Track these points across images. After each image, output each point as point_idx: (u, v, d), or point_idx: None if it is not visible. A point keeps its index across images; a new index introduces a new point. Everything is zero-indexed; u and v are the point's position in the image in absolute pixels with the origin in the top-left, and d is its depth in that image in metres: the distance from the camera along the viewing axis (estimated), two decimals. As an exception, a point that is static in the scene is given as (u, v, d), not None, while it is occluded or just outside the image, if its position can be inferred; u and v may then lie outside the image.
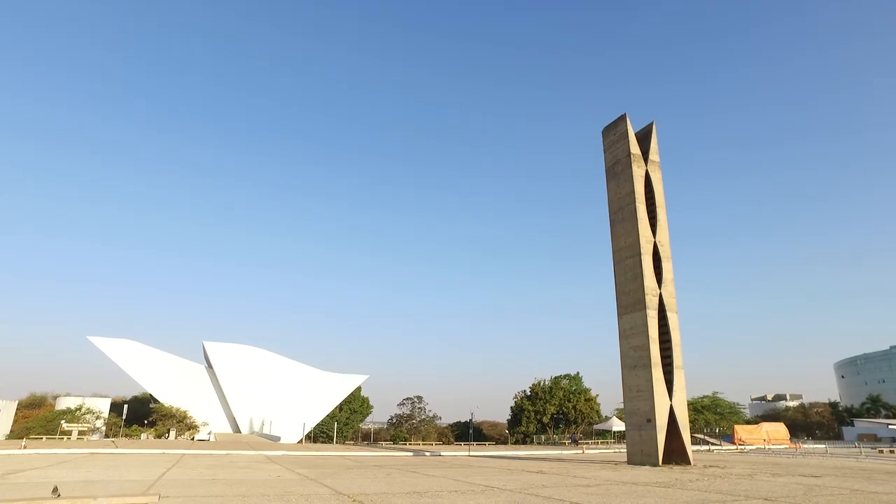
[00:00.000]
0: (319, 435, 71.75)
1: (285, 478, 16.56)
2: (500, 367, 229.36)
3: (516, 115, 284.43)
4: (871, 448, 52.92)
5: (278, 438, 53.64)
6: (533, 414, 74.08)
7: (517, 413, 77.07)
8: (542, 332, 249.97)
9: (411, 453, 39.02)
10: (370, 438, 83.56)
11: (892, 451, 46.29)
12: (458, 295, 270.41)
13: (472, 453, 40.84)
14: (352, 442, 74.54)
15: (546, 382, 77.62)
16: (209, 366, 69.74)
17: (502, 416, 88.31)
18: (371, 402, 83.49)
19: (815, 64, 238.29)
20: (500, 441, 75.96)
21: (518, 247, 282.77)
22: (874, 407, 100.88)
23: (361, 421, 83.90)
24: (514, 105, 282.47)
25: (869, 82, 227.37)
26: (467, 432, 68.05)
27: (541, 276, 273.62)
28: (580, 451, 44.75)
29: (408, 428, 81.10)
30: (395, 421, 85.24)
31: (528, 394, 77.54)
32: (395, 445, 62.57)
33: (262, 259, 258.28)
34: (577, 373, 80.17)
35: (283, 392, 69.14)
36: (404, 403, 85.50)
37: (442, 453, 40.00)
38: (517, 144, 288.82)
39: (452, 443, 73.93)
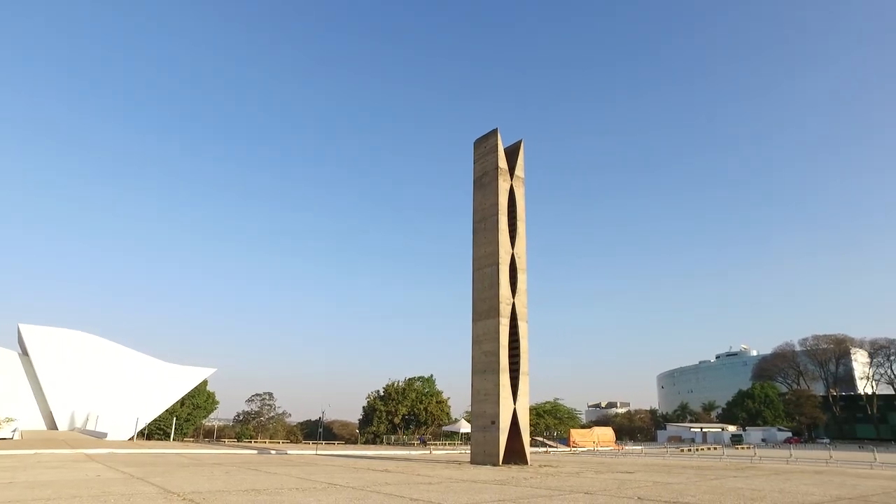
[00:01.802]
0: (155, 432, 65.92)
1: (106, 477, 15.03)
2: (355, 368, 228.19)
3: (390, 117, 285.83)
4: (676, 448, 60.64)
5: (105, 435, 48.28)
6: (385, 414, 74.43)
7: (369, 413, 76.97)
8: (400, 334, 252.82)
9: (255, 451, 37.40)
10: (213, 436, 78.50)
11: (689, 450, 53.45)
12: (317, 293, 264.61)
13: (319, 452, 40.12)
14: (192, 439, 69.45)
15: (400, 383, 78.40)
16: (24, 353, 60.89)
17: (354, 415, 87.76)
18: (218, 398, 78.45)
19: (667, 99, 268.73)
20: (351, 441, 75.38)
21: (382, 249, 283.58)
22: (683, 413, 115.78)
23: (205, 417, 78.44)
24: (391, 106, 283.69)
25: (721, 112, 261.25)
26: (317, 431, 66.67)
27: (403, 280, 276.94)
28: (428, 452, 45.86)
29: (255, 425, 77.46)
30: (241, 418, 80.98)
31: (382, 394, 77.84)
32: (240, 443, 59.42)
33: (104, 242, 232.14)
34: (431, 375, 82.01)
35: (113, 383, 62.30)
36: (253, 400, 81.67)
37: (288, 451, 38.82)
38: (386, 145, 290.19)
39: (301, 441, 71.94)
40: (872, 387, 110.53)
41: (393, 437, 73.64)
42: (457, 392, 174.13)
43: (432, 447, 56.92)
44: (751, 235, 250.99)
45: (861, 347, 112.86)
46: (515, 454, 25.78)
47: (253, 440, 69.12)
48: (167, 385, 66.93)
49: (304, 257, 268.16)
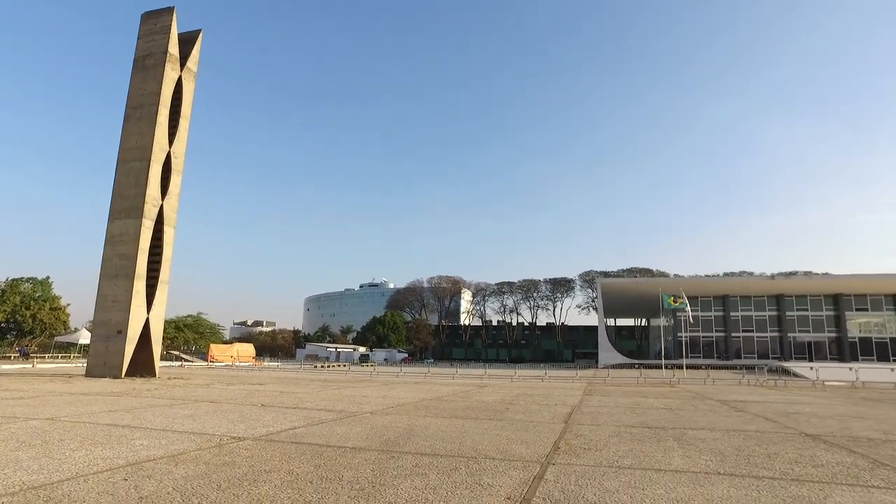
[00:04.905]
0: None
1: None
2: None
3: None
4: (311, 365, 65.95)
5: None
6: (-30, 320, 59.69)
7: (-57, 318, 60.48)
8: (9, 228, 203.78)
9: None
10: None
11: (322, 367, 58.95)
12: None
13: None
14: None
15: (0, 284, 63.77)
16: None
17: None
18: None
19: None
20: None
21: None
22: (324, 335, 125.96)
23: None
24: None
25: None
26: None
27: (23, 166, 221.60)
28: (30, 366, 39.11)
29: None
30: None
31: (-30, 296, 61.98)
32: None
33: None
34: (48, 277, 68.88)
35: None
36: None
37: None
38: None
39: None
40: (469, 320, 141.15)
41: (-21, 349, 59.80)
42: (80, 299, 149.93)
43: (38, 360, 48.48)
44: (407, 182, 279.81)
45: (469, 289, 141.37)
46: (142, 366, 24.07)
47: None
48: None
49: None
